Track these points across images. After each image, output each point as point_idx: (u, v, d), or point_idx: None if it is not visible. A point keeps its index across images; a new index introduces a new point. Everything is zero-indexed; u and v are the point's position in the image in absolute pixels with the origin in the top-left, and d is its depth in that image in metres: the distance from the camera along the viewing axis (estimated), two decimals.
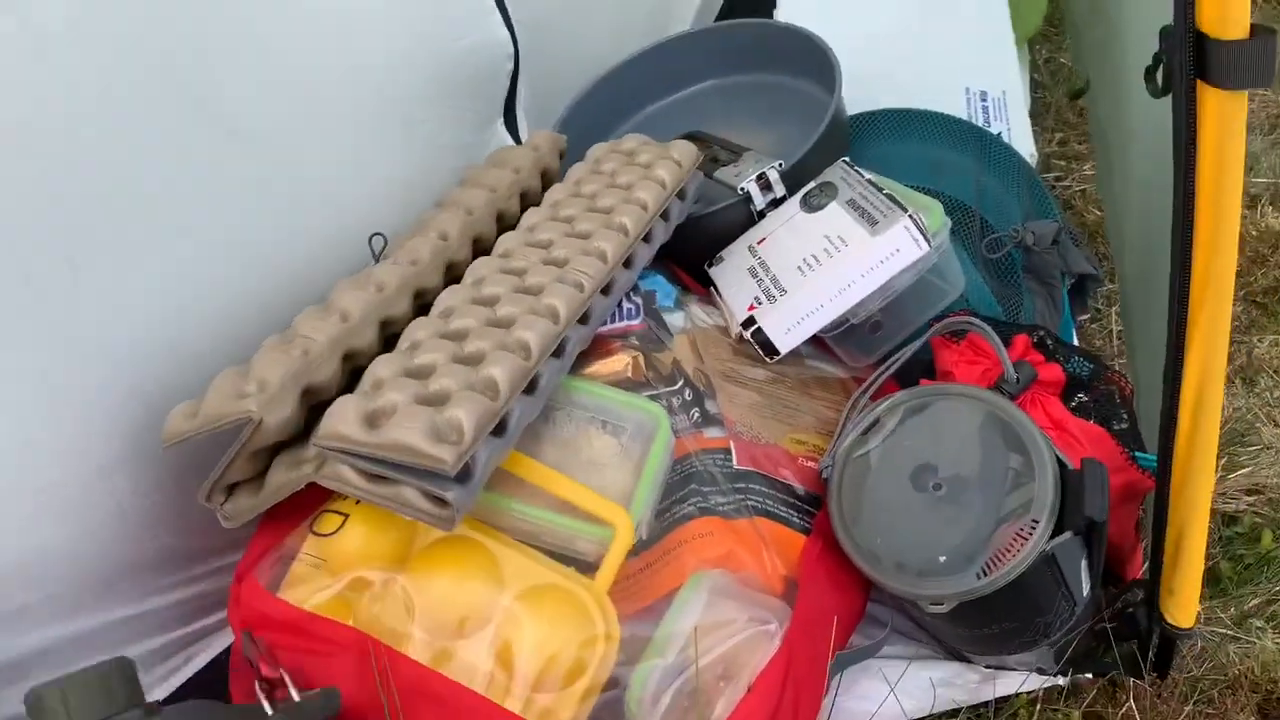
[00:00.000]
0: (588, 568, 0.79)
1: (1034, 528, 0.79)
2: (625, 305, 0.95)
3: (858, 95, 1.22)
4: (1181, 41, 0.63)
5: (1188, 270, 0.71)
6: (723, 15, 1.47)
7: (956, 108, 1.29)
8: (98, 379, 0.80)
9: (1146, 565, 0.89)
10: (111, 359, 0.81)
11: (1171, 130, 0.67)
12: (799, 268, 0.98)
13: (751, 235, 1.07)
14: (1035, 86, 1.77)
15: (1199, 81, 0.64)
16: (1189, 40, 0.63)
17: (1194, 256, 0.70)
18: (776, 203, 1.09)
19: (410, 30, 1.04)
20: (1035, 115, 1.54)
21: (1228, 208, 0.68)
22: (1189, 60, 0.63)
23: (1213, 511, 0.82)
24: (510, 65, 1.16)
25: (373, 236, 0.98)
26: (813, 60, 1.22)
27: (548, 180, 1.11)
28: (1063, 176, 1.65)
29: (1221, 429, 0.83)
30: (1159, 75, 0.68)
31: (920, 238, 0.94)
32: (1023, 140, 1.29)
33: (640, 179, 1.02)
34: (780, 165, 1.07)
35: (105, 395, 0.81)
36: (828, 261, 0.96)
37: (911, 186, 1.11)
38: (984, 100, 1.33)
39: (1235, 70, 0.62)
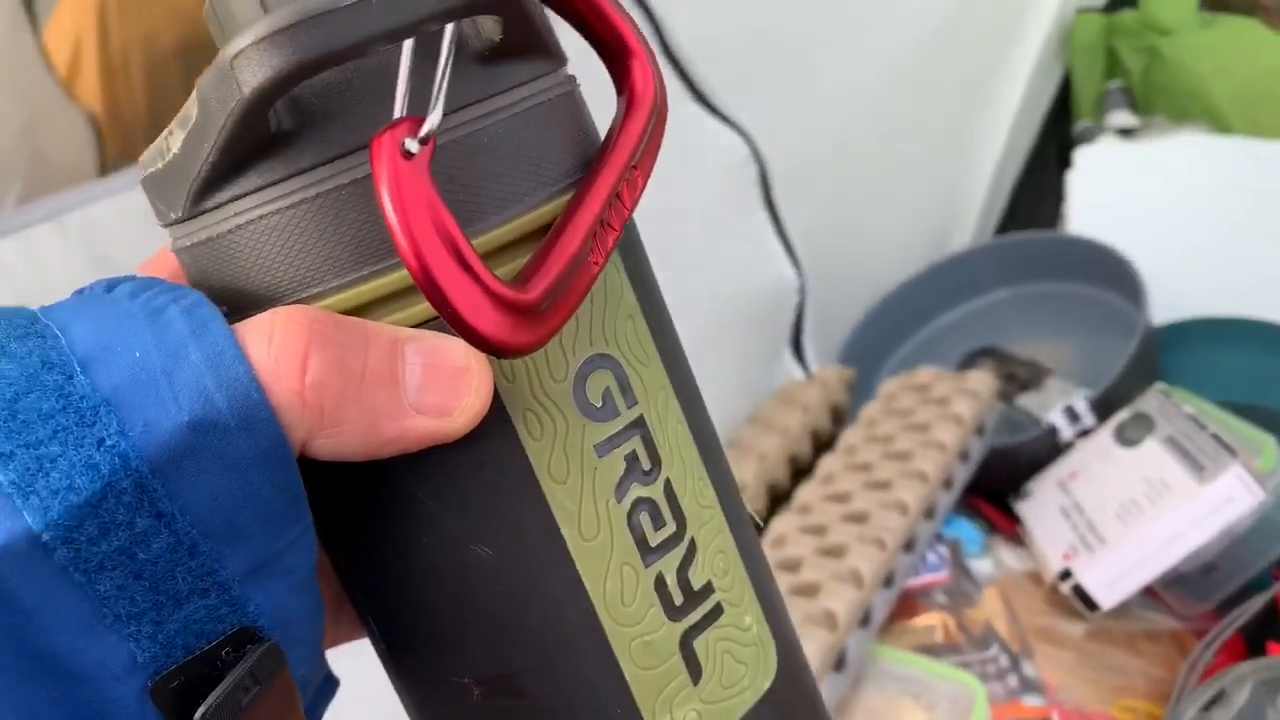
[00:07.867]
0: None
1: None
2: (930, 557, 0.93)
3: (1164, 301, 1.16)
4: None
5: None
6: (1004, 224, 1.45)
7: None
8: None
9: None
10: None
11: None
12: (1117, 513, 0.92)
13: (1060, 469, 1.02)
14: None
15: None
16: None
17: None
18: (1085, 431, 1.04)
19: (701, 277, 1.09)
20: None
21: None
22: None
23: None
24: (797, 299, 1.18)
25: None
26: (1110, 270, 1.18)
27: (837, 416, 1.11)
28: None
29: None
30: None
31: (1254, 484, 0.86)
32: None
33: (936, 417, 1.00)
34: (1089, 395, 1.03)
35: None
36: (1150, 509, 0.90)
37: (1231, 404, 1.03)
38: None
39: None
